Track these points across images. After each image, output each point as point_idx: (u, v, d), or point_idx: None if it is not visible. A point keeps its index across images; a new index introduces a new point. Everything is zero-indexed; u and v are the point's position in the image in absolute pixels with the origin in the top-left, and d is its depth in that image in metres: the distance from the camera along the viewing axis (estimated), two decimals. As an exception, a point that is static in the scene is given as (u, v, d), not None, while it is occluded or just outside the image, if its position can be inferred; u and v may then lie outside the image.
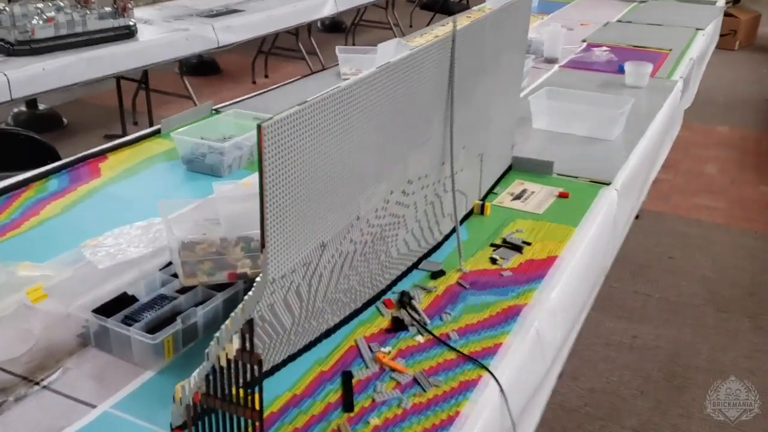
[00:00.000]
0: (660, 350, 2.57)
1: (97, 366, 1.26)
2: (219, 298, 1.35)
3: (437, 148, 1.51)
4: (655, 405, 2.29)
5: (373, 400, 1.19)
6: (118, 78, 4.32)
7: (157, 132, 2.41)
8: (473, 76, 1.62)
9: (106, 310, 1.30)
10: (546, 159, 2.12)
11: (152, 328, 1.25)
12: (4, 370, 1.24)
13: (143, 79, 4.23)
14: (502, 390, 1.24)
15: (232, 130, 2.19)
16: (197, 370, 1.04)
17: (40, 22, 3.33)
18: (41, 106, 4.80)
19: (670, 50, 3.65)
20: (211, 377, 1.03)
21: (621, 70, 3.11)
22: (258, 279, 0.94)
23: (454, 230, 1.76)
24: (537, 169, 2.12)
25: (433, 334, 1.36)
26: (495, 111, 1.87)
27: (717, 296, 2.89)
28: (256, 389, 1.00)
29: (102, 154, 2.19)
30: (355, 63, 3.07)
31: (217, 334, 0.99)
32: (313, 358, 1.29)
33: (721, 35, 5.43)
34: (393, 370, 1.26)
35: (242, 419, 1.03)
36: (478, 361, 1.29)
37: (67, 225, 1.76)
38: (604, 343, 2.56)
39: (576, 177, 2.09)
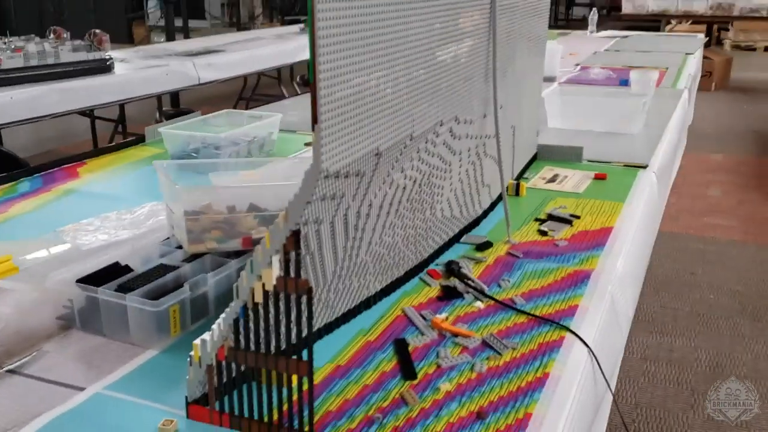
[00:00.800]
0: (700, 363, 2.34)
1: (83, 349, 1.00)
2: (233, 266, 1.10)
3: (480, 97, 1.31)
4: (708, 418, 2.05)
5: (439, 366, 0.95)
6: (93, 119, 4.11)
7: (141, 140, 2.19)
8: (509, 41, 1.44)
9: (94, 280, 1.04)
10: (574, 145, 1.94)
11: (153, 298, 1.00)
12: (-37, 355, 0.97)
13: (121, 118, 4.01)
14: (590, 350, 1.00)
15: (225, 130, 1.98)
16: (222, 316, 0.79)
17: (8, 51, 3.13)
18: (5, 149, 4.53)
19: (667, 68, 3.56)
20: (241, 322, 0.78)
21: (623, 84, 2.99)
22: (307, 170, 0.71)
23: (492, 206, 1.55)
24: (565, 156, 1.93)
25: (496, 299, 1.13)
26: (524, 88, 1.69)
27: (749, 307, 2.69)
28: (305, 331, 0.75)
29: (80, 160, 1.96)
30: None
31: (250, 259, 0.76)
32: (356, 329, 1.05)
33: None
34: (456, 335, 1.02)
35: (285, 377, 0.78)
36: (557, 322, 1.05)
37: (40, 220, 1.50)
38: (640, 357, 2.32)
39: (608, 162, 1.90)
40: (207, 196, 1.15)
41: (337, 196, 0.80)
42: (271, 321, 0.77)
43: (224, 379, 0.82)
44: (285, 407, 0.79)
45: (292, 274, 0.74)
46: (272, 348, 0.78)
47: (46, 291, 1.06)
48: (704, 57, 6.09)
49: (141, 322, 0.99)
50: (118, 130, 4.15)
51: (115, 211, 1.43)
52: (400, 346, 1.00)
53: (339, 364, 0.95)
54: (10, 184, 1.75)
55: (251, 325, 0.77)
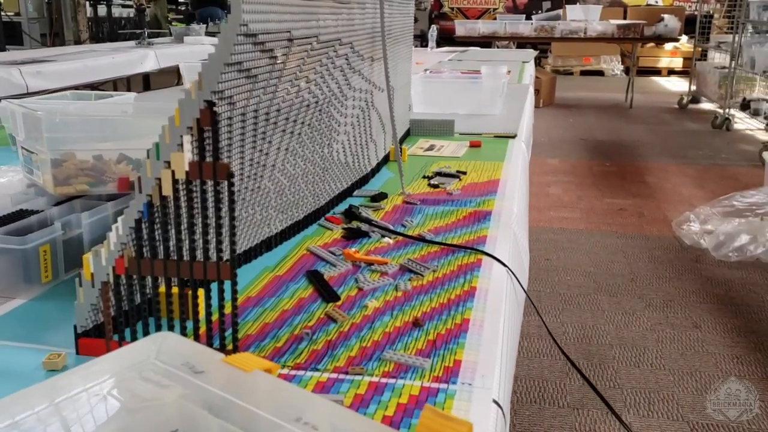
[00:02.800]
0: (569, 336, 2.42)
1: (-74, 305, 0.81)
2: (109, 208, 0.96)
3: (370, 37, 1.26)
4: (583, 382, 2.11)
5: (361, 289, 0.87)
6: None
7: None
8: (390, 16, 1.41)
9: (-63, 227, 0.86)
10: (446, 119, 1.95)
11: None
12: None
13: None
14: (509, 269, 0.97)
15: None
16: (120, 218, 0.67)
17: None
18: None
19: (510, 71, 3.74)
20: (145, 224, 0.66)
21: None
22: (224, 24, 0.62)
23: (379, 167, 1.49)
24: (438, 129, 1.94)
25: (406, 235, 1.07)
26: (398, 61, 1.66)
27: (604, 285, 2.84)
28: (225, 226, 0.65)
29: None
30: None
31: (154, 141, 0.64)
32: (259, 268, 0.94)
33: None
34: (371, 264, 0.95)
35: (202, 287, 0.67)
36: (473, 248, 1.01)
37: None
38: (522, 312, 2.36)
39: (480, 134, 1.93)
40: (74, 128, 1.00)
41: (251, 73, 0.71)
42: (184, 219, 0.66)
43: (124, 302, 0.69)
44: (202, 329, 0.68)
45: (209, 158, 0.64)
46: (185, 253, 0.66)
47: None
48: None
49: (2, 266, 0.83)
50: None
51: (-52, 177, 1.22)
52: (315, 275, 0.91)
53: (249, 296, 0.85)
54: None
55: (158, 225, 0.66)
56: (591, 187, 4.34)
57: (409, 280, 0.90)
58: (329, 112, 1.07)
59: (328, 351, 0.72)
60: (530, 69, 4.07)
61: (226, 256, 0.65)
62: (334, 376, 0.67)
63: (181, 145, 0.63)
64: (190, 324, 0.69)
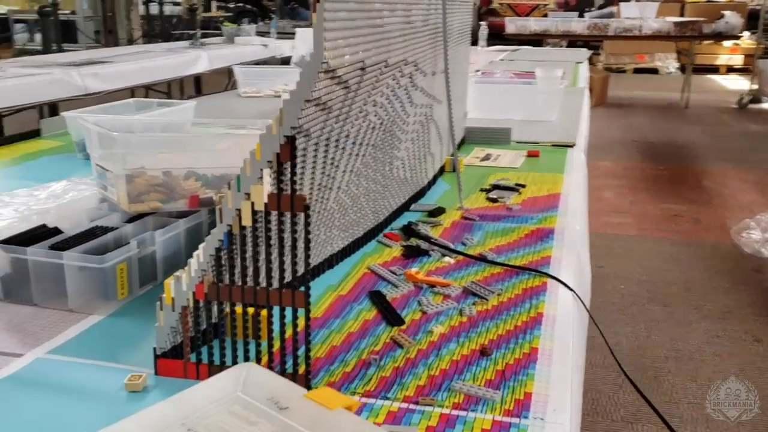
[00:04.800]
0: (622, 346, 2.39)
1: (12, 319, 0.85)
2: (181, 225, 0.99)
3: (432, 51, 1.26)
4: (638, 396, 2.08)
5: (424, 313, 0.87)
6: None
7: (36, 134, 1.99)
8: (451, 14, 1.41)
9: (20, 243, 0.90)
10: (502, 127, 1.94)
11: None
12: None
13: (-2, 131, 3.68)
14: (575, 293, 0.96)
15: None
16: (201, 246, 0.69)
17: None
18: None
19: (564, 72, 3.70)
20: (224, 252, 0.68)
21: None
22: (306, 57, 0.63)
23: (434, 180, 1.50)
24: (494, 137, 1.93)
25: (467, 254, 1.07)
26: (456, 67, 1.66)
27: (658, 294, 2.79)
28: (303, 256, 0.66)
29: (-31, 151, 1.75)
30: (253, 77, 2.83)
31: (237, 175, 0.66)
32: (323, 285, 0.96)
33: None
34: (433, 285, 0.96)
35: (278, 311, 0.68)
36: (537, 270, 1.01)
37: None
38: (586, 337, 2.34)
39: (536, 142, 1.91)
40: (147, 146, 1.03)
41: (327, 105, 0.72)
42: (262, 247, 0.67)
43: (202, 324, 0.71)
44: (276, 347, 0.69)
45: (287, 190, 0.65)
46: (261, 280, 0.68)
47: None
48: (584, 74, 6.42)
49: (82, 284, 0.86)
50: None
51: (25, 188, 1.27)
52: (378, 296, 0.92)
53: (315, 316, 0.86)
54: None
55: (238, 253, 0.67)
56: (644, 192, 4.26)
57: (473, 304, 0.90)
58: (392, 131, 1.08)
59: (396, 378, 0.72)
60: (584, 70, 4.02)
61: (300, 284, 0.67)
62: (404, 405, 0.68)
63: (261, 177, 0.65)
64: (263, 344, 0.70)
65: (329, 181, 0.88)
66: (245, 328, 0.69)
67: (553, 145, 1.89)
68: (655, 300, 2.76)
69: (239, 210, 0.66)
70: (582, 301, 0.96)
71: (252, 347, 0.70)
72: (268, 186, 0.65)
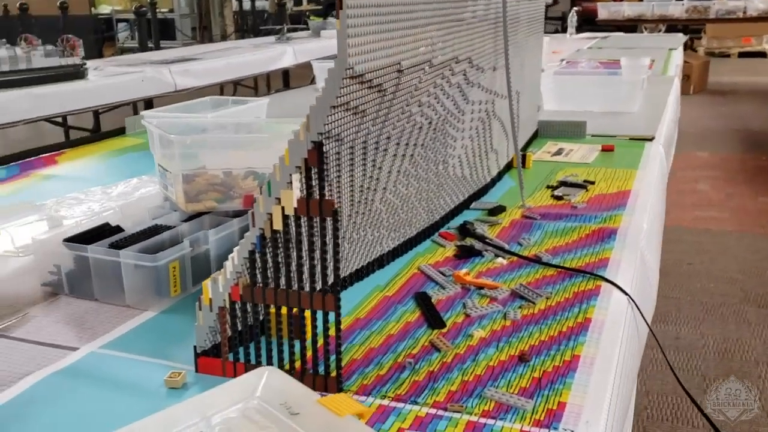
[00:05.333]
0: (708, 349, 2.27)
1: (73, 313, 0.90)
2: (235, 224, 1.01)
3: (491, 44, 1.23)
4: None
5: (468, 316, 0.86)
6: (67, 128, 3.99)
7: (121, 132, 2.10)
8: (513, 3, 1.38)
9: (83, 241, 0.95)
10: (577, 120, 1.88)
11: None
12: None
13: (96, 128, 3.89)
14: (630, 297, 0.92)
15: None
16: (236, 249, 0.70)
17: (-21, 56, 3.01)
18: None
19: (654, 60, 3.54)
20: (258, 254, 0.69)
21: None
22: (330, 67, 0.63)
23: (499, 177, 1.47)
24: (568, 131, 1.87)
25: (520, 255, 1.05)
26: (526, 58, 1.62)
27: (752, 294, 2.64)
28: (331, 259, 0.67)
29: (57, 150, 1.86)
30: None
31: (265, 179, 0.67)
32: (370, 286, 0.96)
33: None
34: (481, 287, 0.94)
35: (308, 315, 0.69)
36: (591, 272, 0.98)
37: (19, 200, 1.40)
38: (647, 345, 2.25)
39: (613, 136, 1.85)
40: (203, 148, 1.06)
41: (359, 110, 0.72)
42: (293, 251, 0.68)
43: (238, 325, 0.73)
44: (309, 353, 0.70)
45: (316, 195, 0.66)
46: (293, 283, 0.69)
47: (29, 255, 0.97)
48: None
49: (137, 281, 0.90)
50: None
51: (100, 186, 1.34)
52: (423, 298, 0.91)
53: (358, 317, 0.87)
54: (-17, 171, 1.65)
55: (269, 255, 0.69)
56: (743, 184, 4.03)
57: (520, 307, 0.88)
58: (444, 130, 1.07)
59: (429, 383, 0.72)
60: (677, 57, 3.83)
61: (330, 286, 0.67)
62: (432, 411, 0.67)
63: (291, 183, 0.66)
64: (297, 346, 0.71)
65: (372, 182, 0.88)
66: (279, 329, 0.70)
67: (630, 139, 1.82)
68: (749, 300, 2.61)
69: (270, 214, 0.67)
70: (636, 305, 0.92)
71: (285, 348, 0.71)
72: (297, 191, 0.66)
